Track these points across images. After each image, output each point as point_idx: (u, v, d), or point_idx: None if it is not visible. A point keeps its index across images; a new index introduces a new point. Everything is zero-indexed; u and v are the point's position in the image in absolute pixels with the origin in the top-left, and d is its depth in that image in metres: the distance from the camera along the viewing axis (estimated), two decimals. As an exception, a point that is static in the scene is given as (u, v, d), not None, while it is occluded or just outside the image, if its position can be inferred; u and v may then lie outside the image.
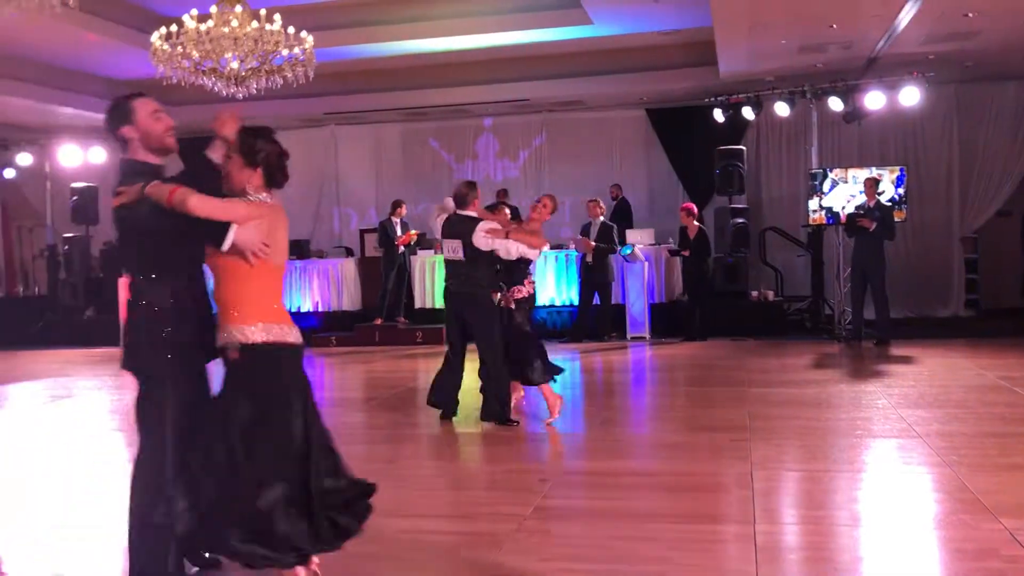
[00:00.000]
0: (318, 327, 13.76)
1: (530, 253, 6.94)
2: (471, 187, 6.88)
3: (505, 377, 6.85)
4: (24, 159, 15.93)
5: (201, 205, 3.30)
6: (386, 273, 13.14)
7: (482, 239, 6.61)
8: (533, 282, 7.32)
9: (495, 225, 6.70)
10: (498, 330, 6.85)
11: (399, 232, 13.09)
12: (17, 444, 7.18)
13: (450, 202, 6.87)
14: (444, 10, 11.53)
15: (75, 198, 15.51)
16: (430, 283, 13.50)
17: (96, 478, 5.85)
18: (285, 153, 3.65)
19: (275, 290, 3.56)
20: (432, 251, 13.78)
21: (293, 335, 3.52)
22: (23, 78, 12.52)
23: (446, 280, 6.97)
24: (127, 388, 10.39)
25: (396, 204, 13.33)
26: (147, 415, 3.52)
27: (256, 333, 3.43)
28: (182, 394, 3.51)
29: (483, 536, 4.24)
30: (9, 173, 16.14)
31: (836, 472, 5.37)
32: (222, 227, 3.33)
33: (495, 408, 6.84)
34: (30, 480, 5.86)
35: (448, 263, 6.91)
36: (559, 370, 7.19)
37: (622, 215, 14.08)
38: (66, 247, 15.61)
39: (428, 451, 6.51)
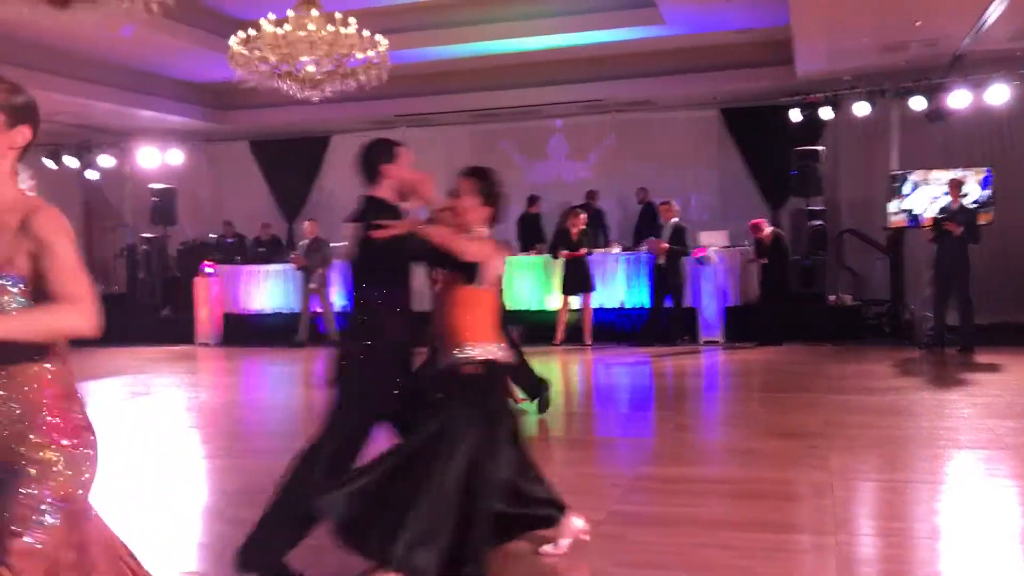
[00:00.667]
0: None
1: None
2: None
3: None
4: (106, 161, 16.41)
5: (468, 248, 3.65)
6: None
7: None
8: None
9: None
10: None
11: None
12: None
13: None
14: (516, 11, 11.52)
15: (154, 199, 15.90)
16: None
17: (169, 476, 5.96)
18: None
19: (497, 313, 3.88)
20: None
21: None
22: (106, 82, 12.89)
23: None
24: (202, 387, 10.63)
25: None
26: (339, 421, 3.71)
27: (491, 352, 3.73)
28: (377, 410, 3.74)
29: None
30: (91, 175, 16.64)
31: (917, 483, 5.20)
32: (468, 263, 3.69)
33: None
34: (108, 476, 5.99)
35: None
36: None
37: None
38: (144, 247, 16.01)
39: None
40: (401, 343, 3.76)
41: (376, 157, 3.79)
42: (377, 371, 3.68)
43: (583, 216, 12.57)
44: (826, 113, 12.94)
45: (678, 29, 11.88)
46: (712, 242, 12.88)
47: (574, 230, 12.28)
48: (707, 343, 12.27)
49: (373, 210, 3.70)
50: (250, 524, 4.63)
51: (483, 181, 3.95)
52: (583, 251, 12.23)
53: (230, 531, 4.60)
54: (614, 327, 12.93)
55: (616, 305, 13.14)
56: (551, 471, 5.87)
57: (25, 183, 2.49)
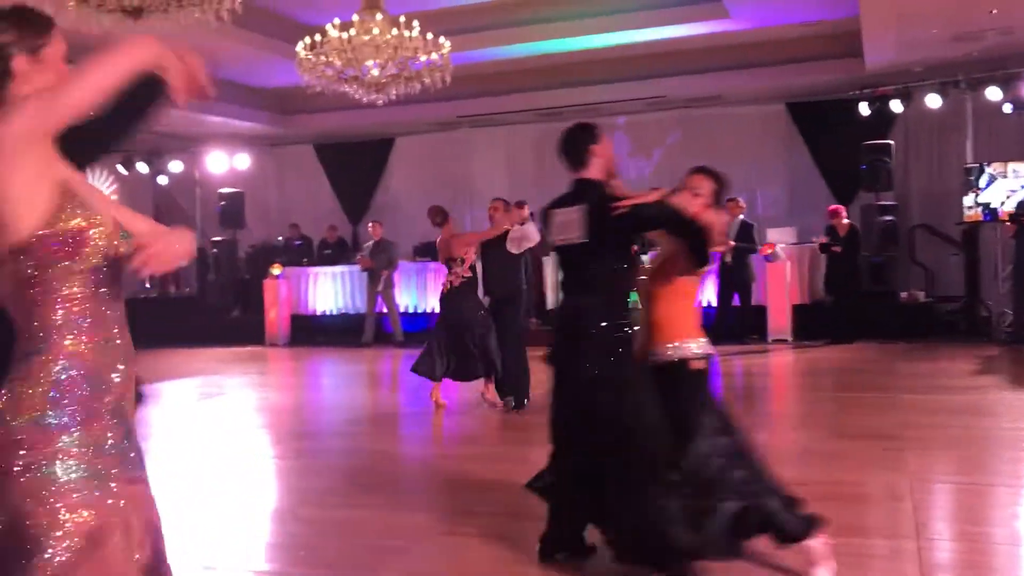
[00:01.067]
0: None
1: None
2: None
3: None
4: (175, 166, 16.79)
5: (715, 222, 3.63)
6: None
7: None
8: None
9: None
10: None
11: (519, 232, 13.10)
12: (172, 440, 7.52)
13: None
14: (578, 9, 11.47)
15: (222, 203, 16.22)
16: (563, 283, 13.47)
17: (240, 475, 6.07)
18: None
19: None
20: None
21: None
22: (177, 89, 13.14)
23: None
24: (272, 387, 10.80)
25: (517, 205, 13.34)
26: (631, 420, 3.61)
27: (704, 346, 3.72)
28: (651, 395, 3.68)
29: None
30: (162, 180, 17.04)
31: (998, 486, 5.04)
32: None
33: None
34: (181, 475, 6.13)
35: None
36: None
37: None
38: (214, 250, 16.34)
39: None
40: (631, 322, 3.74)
41: (583, 140, 3.85)
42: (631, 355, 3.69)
43: None
44: (896, 106, 12.63)
45: (744, 23, 11.71)
46: (780, 239, 12.68)
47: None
48: (776, 341, 12.08)
49: (591, 190, 3.74)
50: (319, 524, 4.71)
51: (718, 183, 3.90)
52: (634, 249, 12.11)
53: (301, 531, 4.67)
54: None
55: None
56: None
57: (107, 188, 2.56)
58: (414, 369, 7.84)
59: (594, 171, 3.81)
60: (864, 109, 12.73)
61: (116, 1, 6.33)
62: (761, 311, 12.35)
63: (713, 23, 11.64)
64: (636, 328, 3.72)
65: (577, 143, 3.84)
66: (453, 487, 5.48)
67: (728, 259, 12.08)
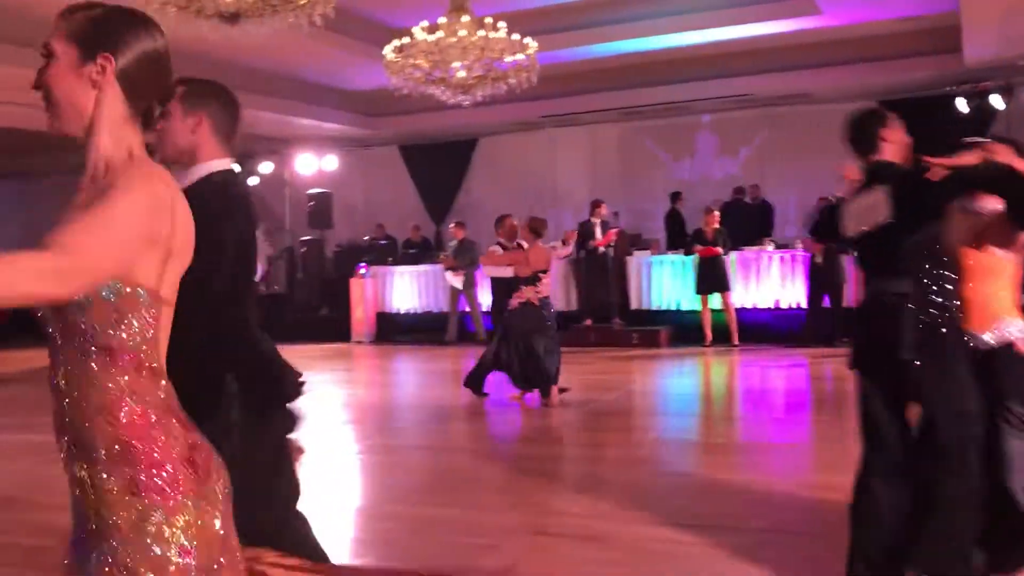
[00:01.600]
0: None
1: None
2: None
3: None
4: (266, 167, 17.19)
5: None
6: (587, 274, 13.18)
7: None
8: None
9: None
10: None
11: (599, 233, 13.06)
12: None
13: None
14: (664, 8, 11.36)
15: (311, 203, 16.55)
16: (647, 284, 13.37)
17: (327, 471, 6.17)
18: None
19: None
20: (649, 251, 13.64)
21: None
22: (269, 92, 13.48)
23: None
24: (358, 383, 10.97)
25: (595, 204, 13.31)
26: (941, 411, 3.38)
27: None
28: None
29: (734, 547, 4.09)
30: (253, 181, 17.45)
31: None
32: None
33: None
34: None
35: None
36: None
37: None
38: (303, 249, 16.69)
39: (659, 457, 6.39)
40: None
41: (873, 125, 3.68)
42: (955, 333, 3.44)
43: (716, 214, 12.35)
44: (997, 102, 12.17)
45: (835, 20, 11.44)
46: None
47: (709, 228, 12.09)
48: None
49: (887, 169, 3.51)
50: (408, 520, 4.75)
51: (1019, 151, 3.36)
52: (718, 249, 11.99)
53: (389, 527, 4.73)
54: (767, 328, 12.56)
55: (770, 305, 12.77)
56: (700, 477, 5.79)
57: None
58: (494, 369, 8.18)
59: (887, 156, 3.59)
60: (962, 105, 12.31)
61: (214, 7, 6.51)
62: (853, 313, 12.00)
63: (803, 20, 11.40)
64: (954, 310, 3.42)
65: (866, 129, 3.65)
66: (540, 486, 5.48)
67: (819, 260, 11.81)
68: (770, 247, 13.04)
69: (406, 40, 8.95)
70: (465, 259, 13.61)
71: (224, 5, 6.45)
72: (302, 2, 6.78)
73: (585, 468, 5.83)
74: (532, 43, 9.23)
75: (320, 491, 5.56)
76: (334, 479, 5.89)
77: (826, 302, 11.94)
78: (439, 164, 16.79)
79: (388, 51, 9.12)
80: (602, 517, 4.61)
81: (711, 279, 12.05)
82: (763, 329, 12.51)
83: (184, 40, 8.09)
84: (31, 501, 5.40)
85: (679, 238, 13.91)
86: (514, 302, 8.15)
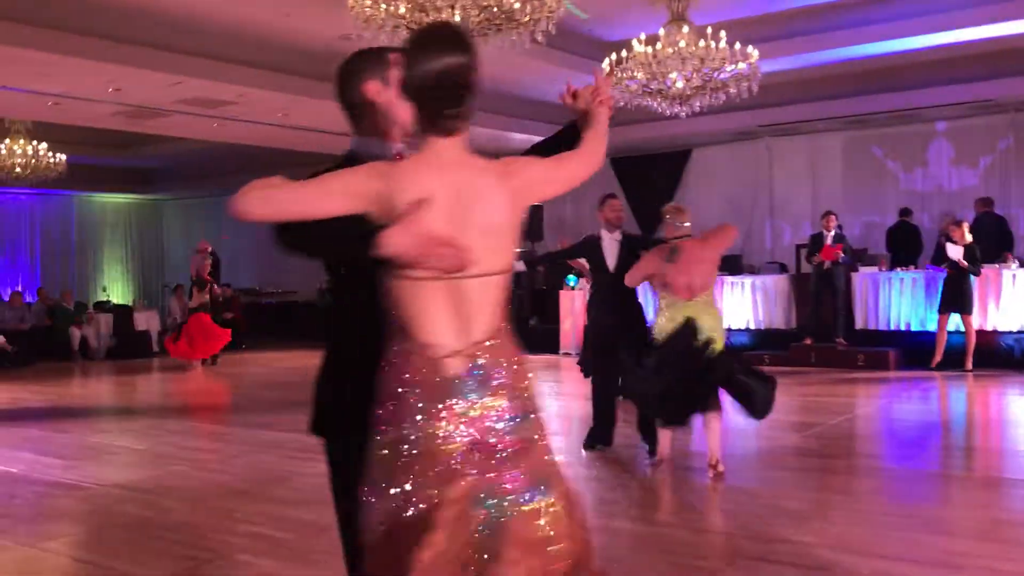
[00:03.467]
0: (749, 345, 13.51)
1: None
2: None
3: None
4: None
5: None
6: (815, 289, 12.61)
7: None
8: None
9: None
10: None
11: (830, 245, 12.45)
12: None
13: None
14: (896, 10, 10.72)
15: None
16: (873, 302, 12.64)
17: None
18: None
19: None
20: (877, 268, 12.90)
21: None
22: (483, 108, 13.82)
23: None
24: (566, 395, 11.01)
25: (824, 215, 12.72)
26: None
27: None
28: None
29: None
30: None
31: None
32: None
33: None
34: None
35: None
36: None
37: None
38: (518, 261, 17.02)
39: (889, 487, 5.99)
40: None
41: None
42: None
43: (966, 227, 11.44)
44: None
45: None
46: None
47: (959, 242, 11.24)
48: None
49: None
50: (624, 536, 4.68)
51: None
52: (964, 265, 11.11)
53: (604, 541, 4.68)
54: (1011, 353, 11.55)
55: (1015, 328, 11.72)
56: (933, 510, 5.36)
57: None
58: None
59: None
60: None
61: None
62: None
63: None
64: None
65: None
66: (764, 511, 5.27)
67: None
68: (1013, 265, 12.00)
69: (624, 53, 8.93)
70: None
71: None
72: (525, 19, 6.90)
73: (810, 495, 5.55)
74: (754, 52, 8.97)
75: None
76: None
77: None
78: (651, 175, 16.64)
79: (605, 64, 9.13)
80: (829, 546, 4.38)
81: (952, 298, 11.23)
82: (1006, 354, 11.54)
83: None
84: (271, 495, 5.77)
85: (906, 253, 13.09)
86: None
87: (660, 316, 6.07)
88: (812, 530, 4.73)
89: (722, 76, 8.84)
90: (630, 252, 6.76)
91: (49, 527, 5.36)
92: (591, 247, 7.04)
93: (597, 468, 6.57)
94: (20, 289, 18.44)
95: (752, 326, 13.82)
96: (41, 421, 9.30)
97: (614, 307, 6.78)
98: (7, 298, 17.63)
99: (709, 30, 8.78)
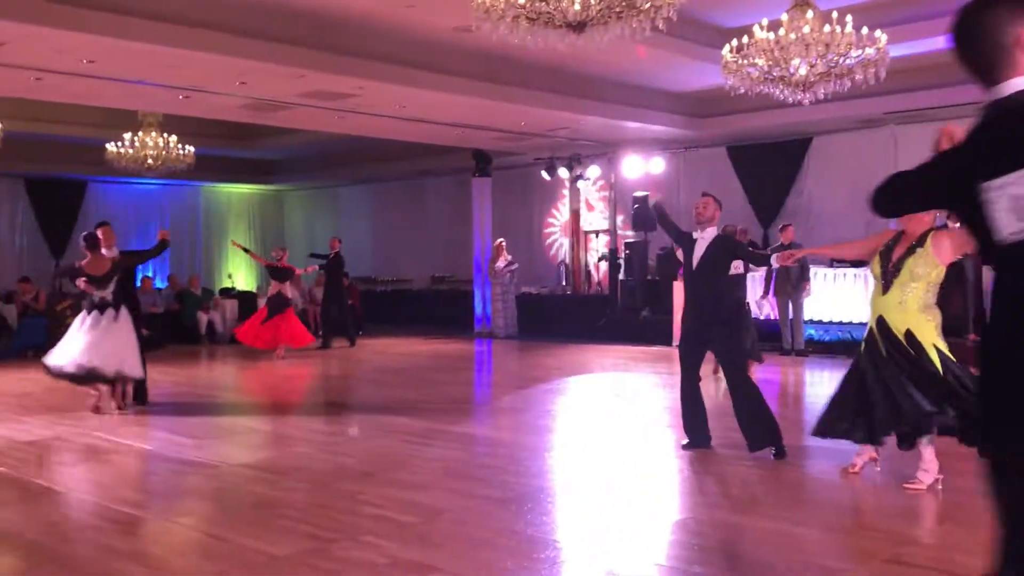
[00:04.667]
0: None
1: None
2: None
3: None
4: (593, 171, 17.64)
5: None
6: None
7: None
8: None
9: None
10: None
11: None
12: (581, 437, 7.86)
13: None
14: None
15: (636, 206, 16.71)
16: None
17: (646, 473, 6.15)
18: None
19: None
20: None
21: None
22: (600, 98, 13.79)
23: None
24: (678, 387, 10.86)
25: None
26: None
27: None
28: None
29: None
30: (581, 184, 17.99)
31: None
32: None
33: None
34: (590, 469, 6.36)
35: None
36: None
37: None
38: (626, 251, 16.90)
39: None
40: None
41: None
42: None
43: None
44: None
45: None
46: None
47: None
48: None
49: None
50: (747, 531, 4.60)
51: None
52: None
53: (726, 536, 4.62)
54: None
55: None
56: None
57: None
58: None
59: None
60: None
61: (563, 17, 6.74)
62: None
63: None
64: None
65: None
66: (895, 511, 5.11)
67: None
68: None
69: (745, 39, 8.73)
70: (795, 267, 13.06)
71: (572, 14, 6.65)
72: (645, 7, 6.83)
73: (944, 496, 5.34)
74: (882, 36, 8.64)
75: (648, 493, 5.58)
76: (660, 482, 5.89)
77: None
78: (769, 164, 16.25)
79: (726, 51, 8.95)
80: (963, 550, 4.20)
81: None
82: None
83: (532, 51, 8.53)
84: (391, 478, 5.90)
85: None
86: None
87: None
88: (944, 534, 4.57)
89: (848, 62, 8.54)
90: (719, 253, 6.67)
91: (182, 503, 5.62)
92: (687, 240, 6.92)
93: (699, 461, 6.47)
94: (151, 275, 19.34)
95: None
96: (172, 401, 9.75)
97: (695, 306, 6.73)
98: (139, 283, 18.53)
99: (835, 15, 8.50)
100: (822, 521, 4.94)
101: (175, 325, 17.11)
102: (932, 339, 5.34)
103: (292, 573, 4.12)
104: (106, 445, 7.24)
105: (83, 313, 8.79)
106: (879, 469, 5.83)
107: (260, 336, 13.95)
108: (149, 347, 15.58)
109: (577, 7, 6.69)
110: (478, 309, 17.91)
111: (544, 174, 17.87)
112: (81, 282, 8.71)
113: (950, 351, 5.36)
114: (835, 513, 5.20)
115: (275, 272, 14.37)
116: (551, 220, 20.06)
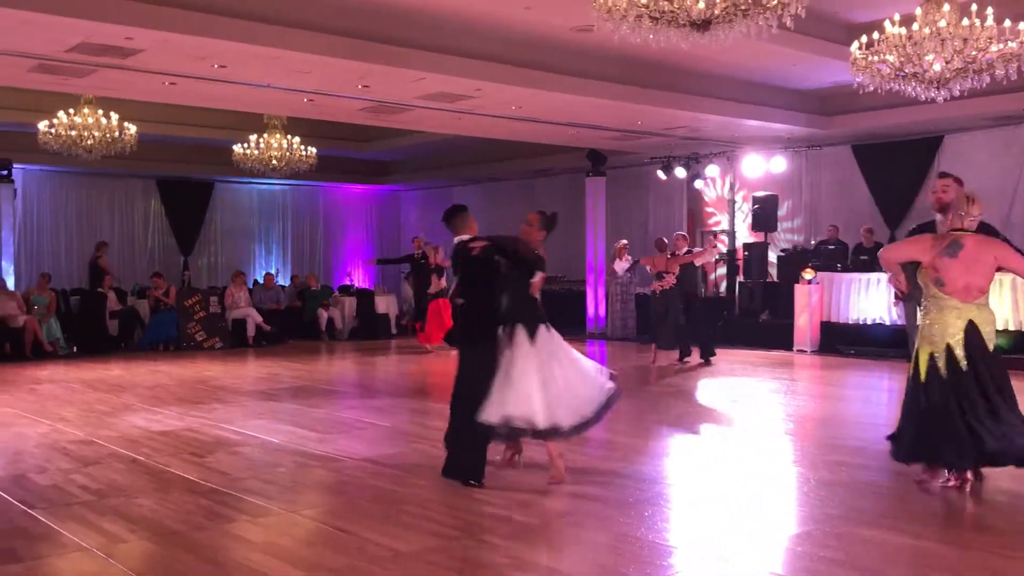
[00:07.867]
0: (1007, 348, 12.38)
1: None
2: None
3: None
4: (712, 170, 17.33)
5: None
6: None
7: None
8: None
9: None
10: None
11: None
12: (702, 440, 7.72)
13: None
14: None
15: (756, 207, 16.37)
16: None
17: (756, 479, 5.99)
18: None
19: None
20: None
21: None
22: (719, 95, 13.53)
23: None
24: (798, 394, 10.57)
25: None
26: None
27: None
28: None
29: None
30: (698, 184, 17.69)
31: None
32: None
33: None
34: (709, 476, 6.22)
35: None
36: None
37: None
38: (746, 253, 16.54)
39: None
40: None
41: None
42: None
43: None
44: None
45: None
46: None
47: None
48: None
49: None
50: (875, 545, 4.42)
51: None
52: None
53: (853, 548, 4.45)
54: None
55: None
56: None
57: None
58: None
59: None
60: None
61: (686, 16, 6.63)
62: None
63: None
64: None
65: None
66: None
67: None
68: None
69: (875, 35, 8.40)
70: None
71: (696, 12, 6.54)
72: (772, 3, 6.65)
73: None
74: (1024, 29, 8.18)
75: (769, 502, 5.43)
76: (781, 491, 5.74)
77: None
78: (897, 164, 15.62)
79: (855, 48, 8.64)
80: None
81: None
82: None
83: (651, 49, 8.42)
84: (509, 478, 5.92)
85: None
86: None
87: (926, 316, 5.62)
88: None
89: (987, 57, 8.11)
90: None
91: (308, 496, 5.78)
92: None
93: (822, 470, 6.26)
94: (274, 272, 19.98)
95: (1011, 327, 12.67)
96: (296, 396, 10.05)
97: None
98: (262, 280, 19.18)
99: (974, 7, 8.09)
100: (947, 535, 4.74)
101: (297, 321, 17.66)
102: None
103: (416, 570, 4.17)
104: (235, 437, 7.51)
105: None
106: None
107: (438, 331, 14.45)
108: (269, 342, 16.19)
109: (701, 5, 6.56)
110: (591, 310, 17.84)
111: (660, 173, 17.65)
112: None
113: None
114: (962, 525, 4.98)
115: (438, 270, 14.73)
116: (667, 220, 19.80)
